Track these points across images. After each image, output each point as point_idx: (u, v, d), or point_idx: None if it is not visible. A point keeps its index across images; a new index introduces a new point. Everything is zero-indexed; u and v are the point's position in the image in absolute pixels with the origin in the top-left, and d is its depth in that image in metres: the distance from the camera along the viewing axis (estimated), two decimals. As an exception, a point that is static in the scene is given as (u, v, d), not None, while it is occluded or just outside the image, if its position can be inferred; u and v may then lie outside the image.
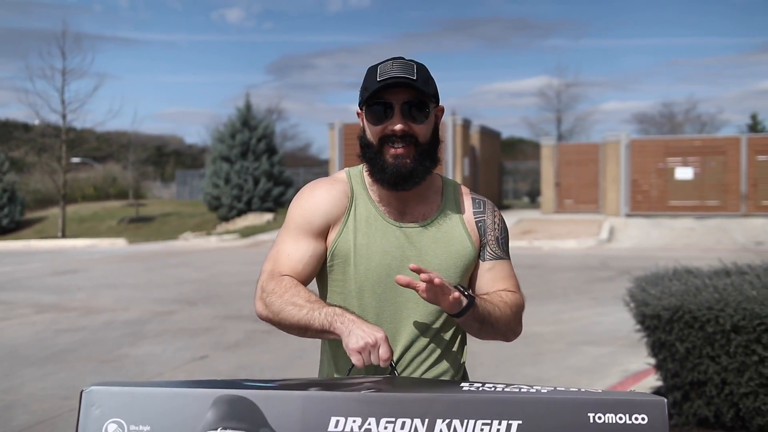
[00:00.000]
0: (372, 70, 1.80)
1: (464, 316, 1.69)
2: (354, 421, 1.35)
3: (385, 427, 1.35)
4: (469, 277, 1.89)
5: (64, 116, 24.12)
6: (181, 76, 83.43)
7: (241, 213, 25.03)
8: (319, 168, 35.42)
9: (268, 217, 24.24)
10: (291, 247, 1.82)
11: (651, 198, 21.97)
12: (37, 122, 26.94)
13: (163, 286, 11.46)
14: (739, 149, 21.38)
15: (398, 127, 1.76)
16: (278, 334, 1.81)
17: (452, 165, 22.33)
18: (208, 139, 36.35)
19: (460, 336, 1.87)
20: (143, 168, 36.26)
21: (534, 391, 1.40)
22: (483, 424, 1.35)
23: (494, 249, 1.89)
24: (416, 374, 1.79)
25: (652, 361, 4.16)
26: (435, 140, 1.83)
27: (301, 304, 1.69)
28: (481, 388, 1.43)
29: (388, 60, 1.81)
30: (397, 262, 1.80)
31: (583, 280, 11.27)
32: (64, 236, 23.00)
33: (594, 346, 6.81)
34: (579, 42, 67.43)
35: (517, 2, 73.95)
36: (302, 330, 1.70)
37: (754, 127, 40.83)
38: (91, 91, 30.99)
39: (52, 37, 25.15)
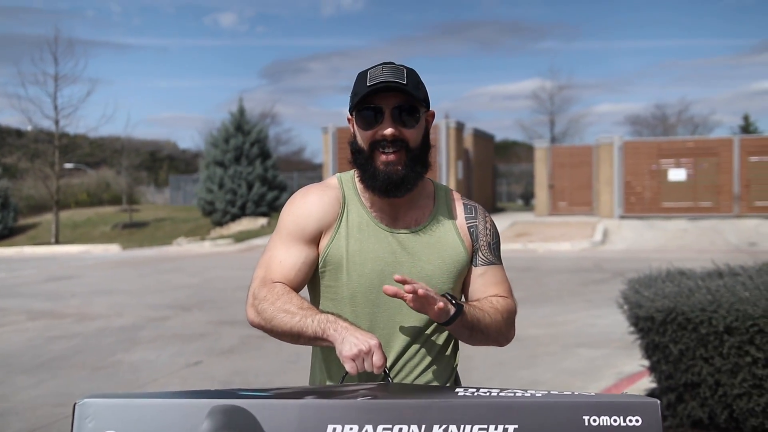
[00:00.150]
0: (362, 76, 1.79)
1: (453, 324, 1.69)
2: (351, 429, 1.35)
3: None
4: (462, 283, 1.89)
5: (56, 122, 24.03)
6: (174, 81, 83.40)
7: (235, 218, 25.00)
8: (313, 172, 35.40)
9: (262, 221, 24.21)
10: (283, 253, 1.81)
11: (644, 200, 22.04)
12: (29, 128, 26.86)
13: (157, 291, 11.43)
14: (731, 150, 21.47)
15: (388, 131, 1.75)
16: (273, 339, 1.80)
17: (446, 168, 22.35)
18: (202, 143, 36.42)
19: (452, 342, 1.87)
20: (136, 173, 36.16)
21: (529, 395, 1.41)
22: (479, 428, 1.36)
23: (486, 254, 1.89)
24: (409, 380, 1.79)
25: (646, 363, 4.16)
26: (426, 145, 1.83)
27: (293, 311, 1.69)
28: (476, 393, 1.43)
29: (377, 65, 1.81)
30: (390, 268, 1.79)
31: (577, 283, 11.29)
32: (57, 242, 22.92)
33: (588, 349, 6.82)
34: (571, 44, 67.70)
35: (509, 5, 74.17)
36: (295, 337, 1.69)
37: (746, 128, 41.02)
38: (84, 97, 31.03)
39: (44, 42, 24.93)
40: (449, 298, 1.69)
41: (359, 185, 1.86)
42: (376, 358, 1.56)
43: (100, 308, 9.90)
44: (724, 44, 71.62)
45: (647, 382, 4.81)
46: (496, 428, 1.36)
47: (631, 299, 4.06)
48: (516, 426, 1.36)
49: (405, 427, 1.35)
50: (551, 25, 70.99)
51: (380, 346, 1.59)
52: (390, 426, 1.35)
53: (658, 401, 1.38)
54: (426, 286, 1.62)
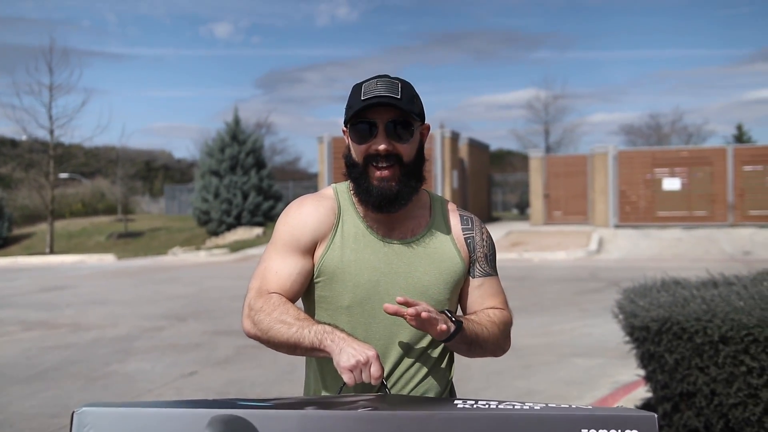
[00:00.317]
0: (356, 89, 1.80)
1: (452, 341, 1.70)
2: None
3: None
4: (458, 294, 1.89)
5: (51, 132, 24.01)
6: (169, 91, 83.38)
7: (230, 227, 24.98)
8: (308, 181, 35.41)
9: (257, 231, 24.19)
10: (278, 264, 1.81)
11: (639, 209, 22.09)
12: (24, 138, 26.82)
13: (152, 301, 11.40)
14: (725, 160, 21.55)
15: (382, 147, 1.75)
16: (268, 349, 1.80)
17: (441, 178, 22.38)
18: (197, 153, 36.38)
19: (448, 353, 1.87)
20: (132, 183, 36.15)
21: (527, 408, 1.41)
22: None
23: (483, 266, 1.90)
24: (405, 390, 1.79)
25: (642, 372, 4.16)
26: (420, 159, 1.83)
27: (290, 322, 1.68)
28: (475, 406, 1.43)
29: (372, 78, 1.80)
30: (386, 278, 1.79)
31: (572, 292, 11.30)
32: (52, 252, 22.86)
33: (584, 358, 6.82)
34: (566, 54, 67.94)
35: (504, 15, 74.47)
36: (292, 348, 1.69)
37: (740, 137, 41.20)
38: (79, 107, 31.10)
39: (40, 52, 24.95)
40: (448, 315, 1.69)
41: (354, 196, 1.86)
42: (374, 369, 1.56)
43: (94, 318, 9.87)
44: (717, 54, 72.04)
45: (643, 392, 4.81)
46: None
47: (626, 309, 4.06)
48: None
49: None
50: (545, 35, 71.33)
51: (378, 357, 1.59)
52: None
53: (656, 415, 1.39)
54: (429, 308, 1.62)
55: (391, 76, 1.82)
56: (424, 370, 1.81)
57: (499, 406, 1.42)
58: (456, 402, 1.47)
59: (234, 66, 79.52)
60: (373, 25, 77.09)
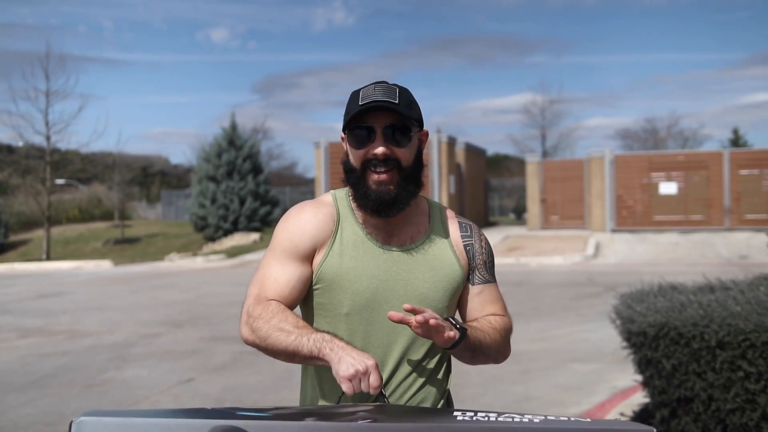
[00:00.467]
0: (354, 95, 1.80)
1: (457, 348, 1.70)
2: None
3: None
4: (456, 300, 1.89)
5: (48, 138, 23.99)
6: (166, 97, 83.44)
7: (227, 233, 24.95)
8: (305, 187, 35.40)
9: (254, 236, 24.16)
10: (277, 270, 1.81)
11: (636, 213, 22.12)
12: (20, 144, 26.77)
13: (149, 308, 11.38)
14: (721, 164, 21.60)
15: (380, 150, 1.75)
16: (265, 356, 1.79)
17: (438, 183, 22.39)
18: (194, 159, 36.37)
19: (446, 362, 1.87)
20: (128, 189, 36.12)
21: (527, 420, 1.41)
22: None
23: (483, 273, 1.91)
24: (404, 398, 1.79)
25: (640, 377, 4.16)
26: (418, 164, 1.83)
27: (289, 330, 1.68)
28: (475, 418, 1.43)
29: (370, 84, 1.81)
30: (385, 285, 1.79)
31: (569, 297, 11.30)
32: (48, 259, 22.81)
33: (581, 363, 6.82)
34: (562, 59, 68.05)
35: (500, 20, 74.64)
36: (290, 356, 1.68)
37: (736, 141, 41.31)
38: (76, 113, 30.89)
39: (36, 58, 24.98)
40: (453, 322, 1.69)
41: (353, 203, 1.86)
42: (373, 379, 1.56)
43: (91, 325, 9.85)
44: (713, 58, 72.21)
45: (640, 397, 4.81)
46: None
47: (623, 314, 4.06)
48: None
49: None
50: (541, 39, 71.48)
51: (377, 366, 1.58)
52: None
53: (654, 429, 1.39)
54: (436, 315, 1.62)
55: (390, 82, 1.83)
56: (422, 378, 1.81)
57: (499, 419, 1.42)
58: (455, 414, 1.46)
59: (231, 71, 79.59)
60: (370, 30, 77.24)
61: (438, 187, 22.35)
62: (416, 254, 1.84)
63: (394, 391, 1.79)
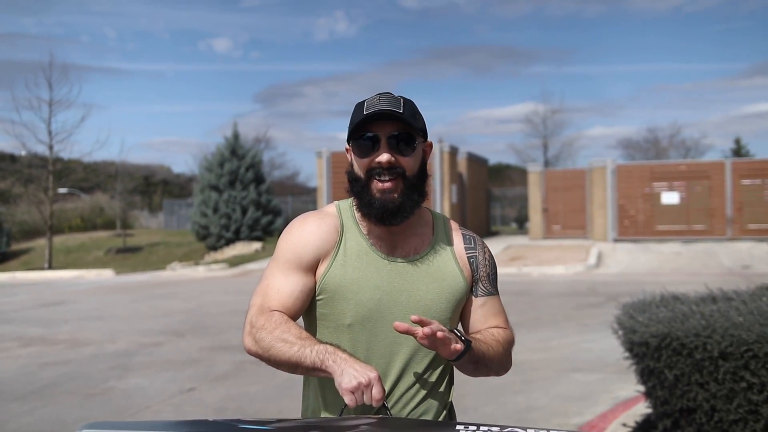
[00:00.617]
0: (359, 106, 1.81)
1: (461, 360, 1.70)
2: None
3: None
4: (459, 312, 1.90)
5: (50, 147, 24.05)
6: (168, 106, 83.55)
7: (229, 242, 24.96)
8: (307, 196, 35.42)
9: (256, 246, 24.16)
10: (280, 281, 1.81)
11: (638, 223, 22.11)
12: (23, 153, 26.85)
13: (151, 317, 11.37)
14: (723, 173, 21.60)
15: (384, 158, 1.76)
16: (267, 365, 1.79)
17: (440, 192, 22.40)
18: (196, 168, 36.42)
19: (448, 373, 1.87)
20: (130, 198, 36.12)
21: None
22: None
23: (486, 285, 1.91)
24: (406, 409, 1.79)
25: (642, 388, 4.16)
26: (423, 174, 1.83)
27: (291, 341, 1.68)
28: (477, 431, 1.42)
29: (375, 95, 1.82)
30: (389, 296, 1.79)
31: (571, 306, 11.28)
32: (50, 267, 22.82)
33: (583, 373, 6.80)
34: (563, 69, 68.07)
35: (501, 31, 74.78)
36: (293, 367, 1.68)
37: (738, 151, 41.32)
38: (78, 122, 30.89)
39: (39, 68, 25.08)
40: (458, 335, 1.69)
41: (358, 213, 1.86)
42: (376, 391, 1.56)
43: (93, 334, 9.85)
44: (715, 68, 72.27)
45: (643, 408, 4.80)
46: None
47: (625, 324, 4.06)
48: None
49: None
50: (543, 49, 71.53)
51: (379, 379, 1.58)
52: None
53: None
54: (443, 327, 1.62)
55: (395, 93, 1.84)
56: (425, 389, 1.81)
57: None
58: (458, 428, 1.46)
59: (233, 81, 79.73)
60: (372, 40, 77.41)
61: (440, 196, 22.35)
62: (420, 266, 1.84)
63: (396, 402, 1.78)
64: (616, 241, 21.81)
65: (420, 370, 1.80)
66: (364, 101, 1.81)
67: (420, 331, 1.58)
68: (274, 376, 6.67)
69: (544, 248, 21.33)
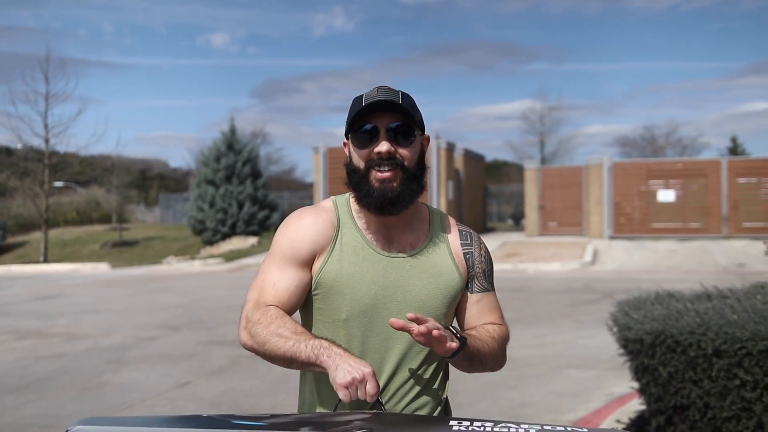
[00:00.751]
0: (357, 99, 1.82)
1: (455, 357, 1.70)
2: None
3: None
4: (454, 308, 1.90)
5: (47, 140, 23.99)
6: (165, 100, 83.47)
7: (225, 237, 24.95)
8: (303, 191, 35.40)
9: (252, 240, 24.15)
10: (277, 276, 1.81)
11: (634, 220, 22.15)
12: (19, 146, 26.79)
13: (146, 311, 11.37)
14: (719, 172, 21.64)
15: (384, 148, 1.76)
16: (262, 359, 1.80)
17: (437, 188, 22.40)
18: (193, 162, 36.39)
19: (443, 369, 1.88)
20: (127, 192, 36.07)
21: (523, 429, 1.41)
22: None
23: (482, 281, 1.91)
24: (400, 405, 1.79)
25: (636, 385, 4.17)
26: (421, 165, 1.84)
27: (287, 336, 1.68)
28: (470, 427, 1.43)
29: (373, 88, 1.83)
30: (384, 291, 1.80)
31: (567, 303, 11.30)
32: (46, 261, 22.79)
33: (578, 370, 6.82)
34: (561, 66, 68.17)
35: (500, 28, 74.74)
36: (288, 362, 1.69)
37: (734, 149, 41.38)
38: (75, 115, 31.00)
39: (36, 61, 24.99)
40: (453, 331, 1.70)
41: (354, 207, 1.87)
42: (370, 387, 1.56)
43: (88, 328, 9.84)
44: (711, 67, 72.35)
45: (637, 404, 4.82)
46: None
47: (620, 321, 4.07)
48: None
49: None
50: (541, 47, 71.62)
51: (374, 374, 1.58)
52: None
53: None
54: (438, 325, 1.62)
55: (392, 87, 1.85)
56: (419, 385, 1.81)
57: (495, 428, 1.42)
58: (451, 423, 1.46)
59: (230, 76, 79.67)
60: (370, 36, 77.32)
61: (437, 192, 22.36)
62: (416, 261, 1.84)
63: (391, 397, 1.79)
64: (611, 238, 21.85)
65: (415, 365, 1.81)
66: (362, 95, 1.82)
67: (416, 328, 1.59)
68: (269, 370, 6.68)
69: (540, 245, 21.35)
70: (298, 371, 1.91)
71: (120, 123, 77.48)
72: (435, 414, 1.83)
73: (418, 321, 1.60)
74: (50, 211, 25.28)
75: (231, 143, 25.89)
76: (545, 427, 1.43)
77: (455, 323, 1.92)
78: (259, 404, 5.86)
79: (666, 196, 21.97)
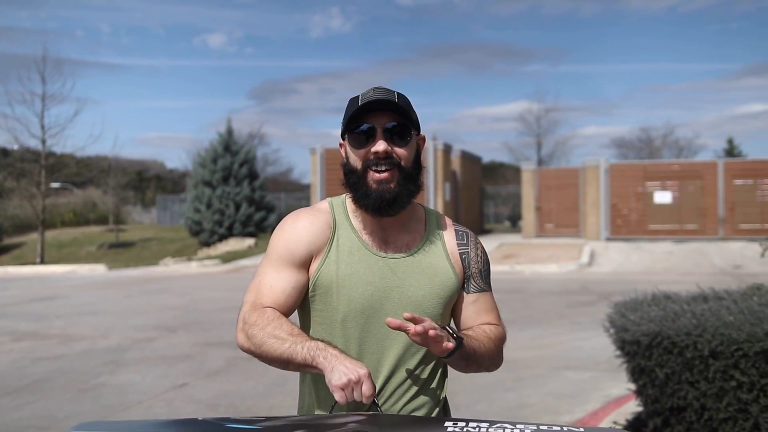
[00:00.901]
0: (353, 99, 1.82)
1: (452, 357, 1.71)
2: None
3: None
4: (450, 308, 1.90)
5: (43, 141, 23.95)
6: (162, 101, 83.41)
7: (222, 238, 24.92)
8: (300, 192, 35.39)
9: (249, 242, 24.13)
10: (273, 278, 1.81)
11: (630, 222, 22.18)
12: (16, 147, 26.75)
13: (143, 312, 11.35)
14: (716, 173, 21.68)
15: (381, 147, 1.76)
16: (259, 361, 1.80)
17: (433, 189, 22.41)
18: (189, 163, 36.37)
19: (441, 369, 1.88)
20: (123, 193, 36.05)
21: (519, 429, 1.41)
22: None
23: (478, 282, 1.91)
24: (398, 405, 1.79)
25: (633, 386, 4.18)
26: (418, 165, 1.84)
27: (283, 338, 1.68)
28: (466, 428, 1.43)
29: (369, 89, 1.83)
30: (380, 292, 1.80)
31: (564, 305, 11.31)
32: (42, 262, 22.74)
33: (575, 371, 6.83)
34: (558, 68, 68.24)
35: (497, 29, 74.81)
36: (284, 363, 1.69)
37: (730, 151, 41.48)
38: (72, 116, 30.96)
39: (32, 62, 24.88)
40: (450, 332, 1.70)
41: (350, 208, 1.87)
42: (366, 388, 1.56)
43: (85, 329, 9.83)
44: (708, 69, 72.54)
45: (633, 406, 4.82)
46: None
47: (617, 323, 4.08)
48: None
49: None
50: (538, 48, 71.69)
51: (370, 375, 1.58)
52: None
53: None
54: (435, 325, 1.63)
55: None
56: (417, 386, 1.82)
57: (490, 429, 1.42)
58: (446, 424, 1.46)
59: (227, 77, 79.64)
60: (367, 37, 77.34)
61: (433, 194, 22.37)
62: (412, 261, 1.84)
63: (388, 398, 1.79)
64: (608, 240, 21.87)
65: (412, 365, 1.81)
66: (358, 95, 1.82)
67: (412, 328, 1.59)
68: (266, 372, 6.67)
69: (537, 246, 21.37)
70: (296, 373, 1.92)
71: (117, 124, 77.59)
72: (433, 414, 1.84)
73: (414, 321, 1.60)
74: (47, 213, 25.24)
75: (228, 144, 25.88)
76: (541, 427, 1.44)
77: (452, 323, 1.93)
78: (256, 406, 5.85)
79: (663, 197, 22.01)
